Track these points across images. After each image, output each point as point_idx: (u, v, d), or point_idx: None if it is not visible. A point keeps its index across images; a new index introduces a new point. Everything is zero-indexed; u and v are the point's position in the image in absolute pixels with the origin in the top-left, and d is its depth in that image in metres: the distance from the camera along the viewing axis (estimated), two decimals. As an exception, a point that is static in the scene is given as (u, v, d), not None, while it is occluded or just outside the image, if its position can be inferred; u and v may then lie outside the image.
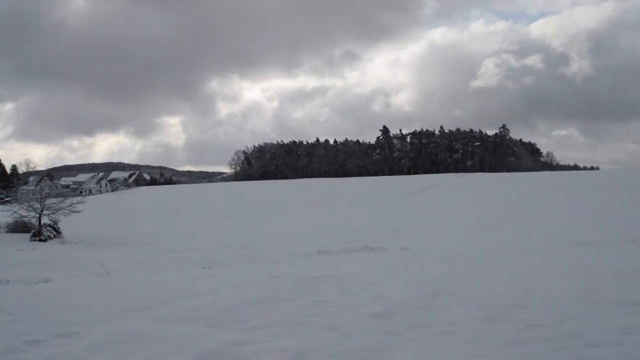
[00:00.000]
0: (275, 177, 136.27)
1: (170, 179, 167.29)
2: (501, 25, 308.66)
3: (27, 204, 31.74)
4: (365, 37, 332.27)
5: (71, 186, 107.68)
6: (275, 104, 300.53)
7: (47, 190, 34.12)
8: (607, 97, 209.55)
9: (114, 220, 46.91)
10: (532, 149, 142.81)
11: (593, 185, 58.31)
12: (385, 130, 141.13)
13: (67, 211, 32.21)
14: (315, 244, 22.04)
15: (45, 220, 31.66)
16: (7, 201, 44.68)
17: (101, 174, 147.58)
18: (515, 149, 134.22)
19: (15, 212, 31.38)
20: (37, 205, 31.43)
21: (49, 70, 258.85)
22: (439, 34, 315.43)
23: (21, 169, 47.21)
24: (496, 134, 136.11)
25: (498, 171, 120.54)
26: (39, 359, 4.47)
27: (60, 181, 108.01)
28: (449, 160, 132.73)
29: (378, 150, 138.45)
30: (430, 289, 7.62)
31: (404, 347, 4.60)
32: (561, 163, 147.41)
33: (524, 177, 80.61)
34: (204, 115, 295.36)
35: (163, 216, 51.83)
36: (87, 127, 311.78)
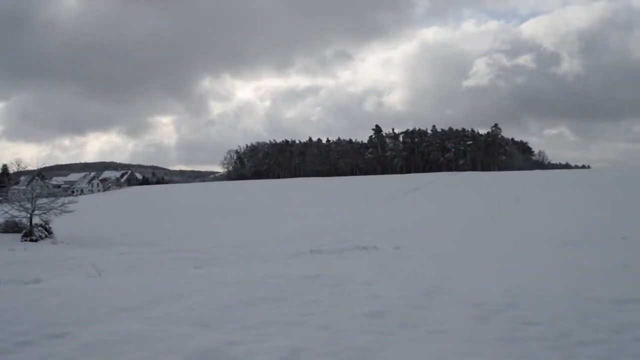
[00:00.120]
0: (267, 177, 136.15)
1: (163, 178, 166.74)
2: (493, 24, 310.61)
3: (18, 203, 31.56)
4: (357, 37, 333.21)
5: (63, 186, 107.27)
6: (268, 103, 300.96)
7: (38, 190, 33.93)
8: (598, 96, 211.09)
9: (106, 220, 46.70)
10: (523, 148, 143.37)
11: (584, 184, 58.62)
12: (377, 130, 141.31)
13: (59, 211, 32.05)
14: (309, 243, 22.03)
15: (36, 220, 31.49)
16: (-2, 201, 44.39)
17: (93, 174, 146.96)
18: (507, 148, 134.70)
19: (6, 212, 31.21)
20: (29, 205, 31.25)
21: (40, 69, 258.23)
22: (431, 34, 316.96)
23: (12, 169, 46.91)
24: (488, 133, 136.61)
25: (490, 170, 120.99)
26: (29, 359, 4.44)
27: (51, 181, 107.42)
28: (442, 159, 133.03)
29: (371, 150, 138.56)
30: (424, 288, 7.63)
31: (398, 347, 4.60)
32: (553, 162, 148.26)
33: (516, 176, 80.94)
34: (196, 114, 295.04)
35: (155, 216, 51.67)
36: (79, 127, 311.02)
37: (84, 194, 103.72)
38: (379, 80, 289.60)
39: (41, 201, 32.58)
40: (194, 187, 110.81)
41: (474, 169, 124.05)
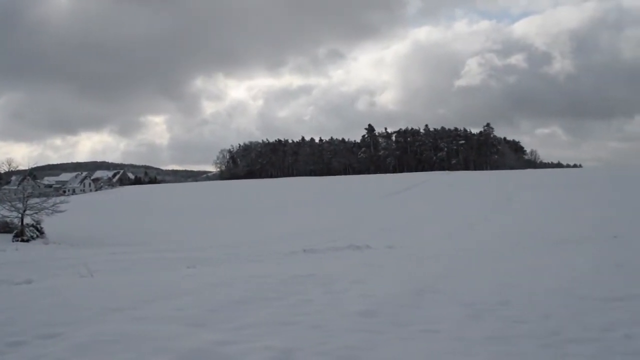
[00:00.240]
0: (260, 176, 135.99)
1: (155, 178, 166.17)
2: (484, 24, 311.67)
3: (9, 203, 31.41)
4: (349, 36, 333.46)
5: (54, 186, 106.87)
6: (260, 102, 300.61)
7: (29, 190, 33.80)
8: (589, 95, 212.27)
9: (98, 220, 46.53)
10: (516, 147, 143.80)
11: (576, 183, 58.89)
12: (370, 129, 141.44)
13: (50, 211, 31.92)
14: (302, 242, 22.05)
15: (27, 220, 31.36)
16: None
17: (85, 174, 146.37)
18: (499, 147, 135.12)
19: (-3, 212, 31.04)
20: (20, 205, 31.11)
21: (32, 68, 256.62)
22: (423, 33, 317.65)
23: (3, 169, 46.52)
24: (480, 132, 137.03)
25: (482, 169, 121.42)
26: (21, 360, 4.42)
27: (43, 180, 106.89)
28: (434, 158, 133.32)
29: (363, 149, 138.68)
30: (416, 287, 7.65)
31: (389, 345, 4.62)
32: (545, 161, 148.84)
33: (508, 175, 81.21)
34: (189, 114, 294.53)
35: (148, 216, 51.53)
36: (71, 126, 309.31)
37: (76, 194, 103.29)
38: (372, 79, 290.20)
39: (33, 201, 32.44)
40: (186, 186, 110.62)
41: (466, 168, 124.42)
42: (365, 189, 69.90)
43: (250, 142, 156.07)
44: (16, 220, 31.10)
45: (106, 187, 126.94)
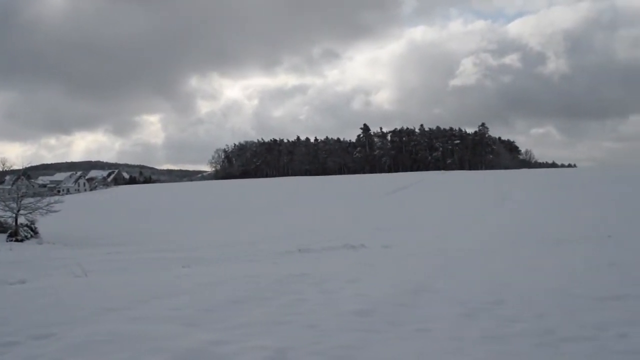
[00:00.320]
0: (256, 176, 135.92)
1: (150, 177, 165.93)
2: (479, 24, 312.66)
3: (3, 203, 31.30)
4: (344, 36, 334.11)
5: (48, 185, 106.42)
6: (255, 102, 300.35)
7: (23, 190, 33.67)
8: (584, 96, 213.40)
9: (93, 220, 46.43)
10: (510, 147, 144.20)
11: (571, 182, 59.08)
12: (365, 129, 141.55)
13: (45, 211, 31.82)
14: (297, 242, 22.03)
15: (22, 220, 31.26)
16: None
17: (79, 173, 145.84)
18: (494, 147, 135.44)
19: (-8, 212, 30.92)
20: (14, 205, 31.00)
21: (26, 67, 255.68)
22: (419, 33, 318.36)
23: (-3, 168, 46.29)
24: (475, 132, 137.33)
25: (477, 169, 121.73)
26: (14, 360, 4.40)
27: (37, 180, 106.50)
28: (429, 158, 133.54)
29: (359, 149, 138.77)
30: (411, 287, 7.66)
31: (384, 345, 4.62)
32: (539, 161, 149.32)
33: (503, 174, 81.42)
34: (184, 113, 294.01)
35: (143, 216, 51.43)
36: (65, 126, 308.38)
37: (70, 194, 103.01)
38: (367, 79, 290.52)
39: (27, 201, 32.33)
40: (181, 186, 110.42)
41: (461, 168, 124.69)
42: (361, 189, 69.94)
43: (246, 142, 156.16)
44: (10, 220, 31.00)
45: (101, 186, 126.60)
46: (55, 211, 32.15)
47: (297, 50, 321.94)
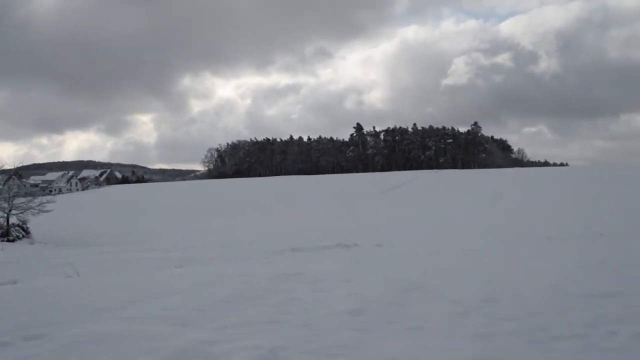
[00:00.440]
0: (248, 175, 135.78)
1: (143, 177, 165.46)
2: (471, 24, 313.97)
3: (-6, 203, 31.09)
4: (337, 35, 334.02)
5: (40, 185, 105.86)
6: (248, 101, 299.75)
7: (15, 190, 33.45)
8: (575, 95, 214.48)
9: (85, 220, 46.25)
10: (503, 146, 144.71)
11: (563, 181, 59.33)
12: (358, 128, 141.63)
13: (37, 211, 31.65)
14: (290, 241, 22.01)
15: (13, 220, 31.09)
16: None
17: (71, 173, 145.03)
18: (487, 146, 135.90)
19: (-17, 212, 30.73)
20: (5, 205, 30.83)
21: (17, 66, 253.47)
22: (411, 32, 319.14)
23: (-12, 168, 45.99)
24: (468, 131, 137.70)
25: (470, 168, 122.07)
26: (5, 361, 4.38)
27: (29, 180, 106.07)
28: (422, 157, 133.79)
29: (352, 148, 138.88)
30: (404, 285, 7.67)
31: (377, 343, 4.63)
32: (532, 159, 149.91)
33: (496, 173, 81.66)
34: (176, 112, 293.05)
35: (135, 215, 51.26)
36: (57, 125, 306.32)
37: (62, 193, 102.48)
38: (360, 78, 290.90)
39: (18, 201, 32.15)
40: (174, 185, 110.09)
41: (454, 166, 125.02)
42: (354, 188, 69.97)
43: (239, 141, 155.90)
44: (1, 220, 30.82)
45: (93, 186, 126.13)
46: (47, 211, 31.99)
47: (289, 50, 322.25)
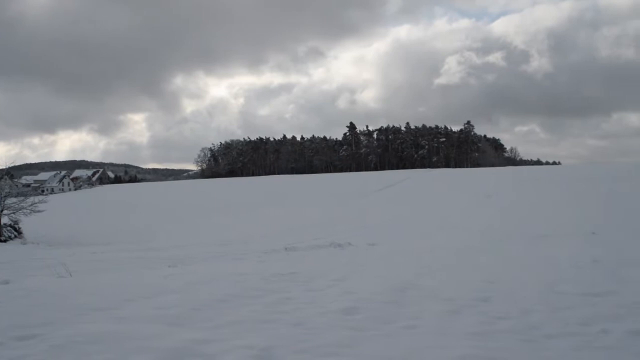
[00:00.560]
0: (242, 174, 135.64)
1: (135, 176, 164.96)
2: (464, 23, 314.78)
3: (-14, 203, 30.90)
4: (329, 34, 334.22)
5: (32, 185, 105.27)
6: (241, 100, 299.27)
7: (7, 190, 33.24)
8: (567, 93, 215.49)
9: (78, 220, 46.06)
10: (496, 145, 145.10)
11: (555, 179, 59.55)
12: (352, 127, 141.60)
13: (29, 211, 31.49)
14: (283, 240, 22.01)
15: (5, 220, 30.91)
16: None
17: (63, 173, 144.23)
18: (479, 145, 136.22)
19: (-26, 212, 30.54)
20: (-3, 205, 30.63)
21: (9, 65, 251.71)
22: (404, 31, 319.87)
23: (-20, 168, 45.83)
24: (461, 130, 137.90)
25: (463, 166, 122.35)
26: (-3, 362, 4.35)
27: (21, 180, 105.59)
28: (415, 156, 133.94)
29: (345, 147, 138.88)
30: (397, 284, 7.67)
31: (370, 342, 4.62)
32: (524, 158, 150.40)
33: (489, 172, 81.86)
34: (169, 112, 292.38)
35: (128, 215, 51.09)
36: (49, 125, 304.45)
37: (55, 193, 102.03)
38: (352, 77, 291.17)
39: (10, 201, 31.96)
40: (167, 185, 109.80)
41: (447, 165, 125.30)
42: (347, 187, 69.99)
43: (232, 141, 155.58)
44: (-7, 220, 30.63)
45: (85, 186, 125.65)
46: (39, 211, 31.84)
47: (282, 49, 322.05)
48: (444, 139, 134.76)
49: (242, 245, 22.61)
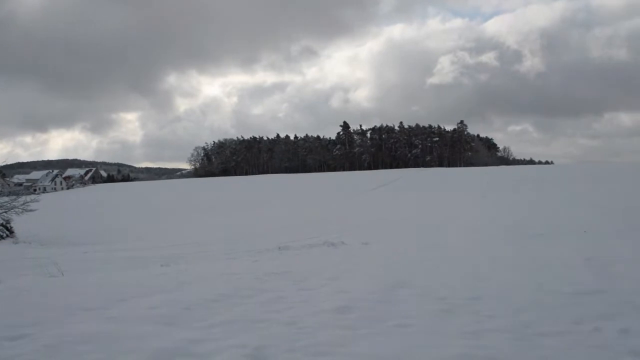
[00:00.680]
0: (235, 173, 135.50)
1: (128, 175, 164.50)
2: (457, 22, 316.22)
3: (-23, 202, 30.71)
4: (323, 34, 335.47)
5: (24, 184, 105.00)
6: (234, 99, 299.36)
7: (-2, 189, 33.04)
8: (559, 93, 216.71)
9: (70, 219, 45.85)
10: (489, 144, 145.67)
11: (548, 179, 59.80)
12: (345, 126, 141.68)
13: (20, 210, 31.27)
14: (276, 239, 21.97)
15: (-4, 219, 30.69)
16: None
17: (56, 172, 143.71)
18: (473, 144, 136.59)
19: (-35, 211, 30.33)
20: (-12, 204, 30.44)
21: (0, 64, 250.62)
22: (397, 31, 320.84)
23: (-29, 167, 45.50)
24: (454, 129, 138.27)
25: (456, 166, 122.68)
26: (-13, 362, 4.32)
27: (12, 179, 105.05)
28: (409, 155, 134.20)
29: (338, 146, 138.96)
30: (390, 283, 7.68)
31: (362, 341, 4.62)
32: (517, 157, 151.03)
33: (482, 171, 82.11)
34: (162, 110, 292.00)
35: (121, 214, 50.93)
36: (41, 123, 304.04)
37: (47, 192, 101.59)
38: (346, 77, 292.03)
39: (2, 200, 31.77)
40: (160, 184, 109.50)
41: (440, 165, 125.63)
42: (341, 186, 70.05)
43: (225, 140, 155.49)
44: (-15, 220, 30.43)
45: (78, 185, 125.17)
46: (31, 210, 31.63)
47: (275, 48, 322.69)
48: (437, 139, 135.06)
49: (235, 245, 22.56)
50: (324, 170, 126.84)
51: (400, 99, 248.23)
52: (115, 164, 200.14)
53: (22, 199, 32.99)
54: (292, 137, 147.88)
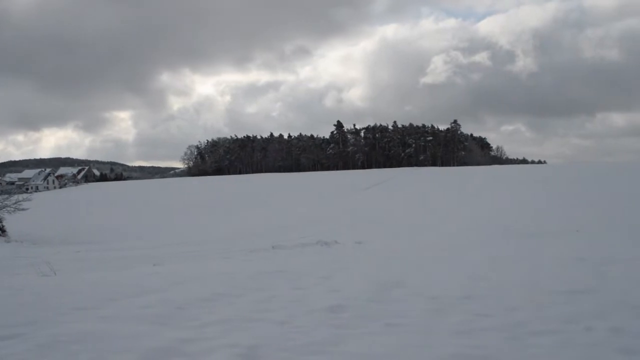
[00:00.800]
0: (229, 172, 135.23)
1: (121, 174, 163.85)
2: (450, 22, 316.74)
3: (-31, 201, 30.56)
4: (316, 33, 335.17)
5: (16, 183, 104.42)
6: (228, 98, 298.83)
7: (-10, 187, 32.88)
8: (551, 93, 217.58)
9: (62, 218, 45.67)
10: (482, 144, 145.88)
11: (541, 178, 60.00)
12: (339, 125, 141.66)
13: (13, 209, 31.18)
14: (270, 239, 21.98)
15: (-12, 218, 30.56)
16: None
17: (48, 170, 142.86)
18: (466, 144, 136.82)
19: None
20: (-20, 203, 30.30)
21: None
22: (390, 31, 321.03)
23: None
24: (448, 129, 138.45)
25: (450, 165, 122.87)
26: (-21, 362, 4.30)
27: (4, 178, 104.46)
28: (402, 154, 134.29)
29: (332, 145, 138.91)
30: (383, 282, 7.69)
31: (355, 340, 4.62)
32: (510, 157, 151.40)
33: (475, 171, 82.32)
34: (155, 109, 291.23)
35: (114, 213, 50.76)
36: (33, 122, 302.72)
37: (39, 191, 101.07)
38: (339, 76, 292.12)
39: (-6, 199, 31.63)
40: (153, 183, 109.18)
41: (434, 164, 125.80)
42: (334, 185, 70.07)
43: (219, 138, 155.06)
44: (-23, 219, 30.30)
45: (71, 184, 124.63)
46: (23, 209, 31.55)
47: (269, 47, 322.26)
48: (430, 138, 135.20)
49: (229, 244, 22.55)
50: (317, 170, 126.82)
51: (394, 99, 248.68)
52: (108, 163, 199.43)
53: (14, 198, 32.90)
54: (285, 136, 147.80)
